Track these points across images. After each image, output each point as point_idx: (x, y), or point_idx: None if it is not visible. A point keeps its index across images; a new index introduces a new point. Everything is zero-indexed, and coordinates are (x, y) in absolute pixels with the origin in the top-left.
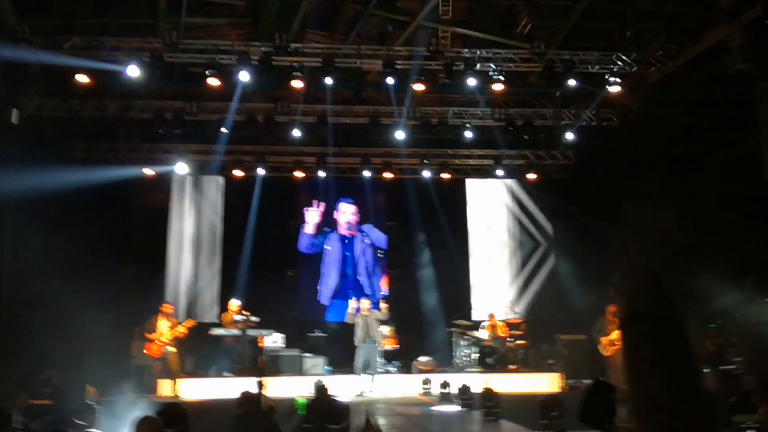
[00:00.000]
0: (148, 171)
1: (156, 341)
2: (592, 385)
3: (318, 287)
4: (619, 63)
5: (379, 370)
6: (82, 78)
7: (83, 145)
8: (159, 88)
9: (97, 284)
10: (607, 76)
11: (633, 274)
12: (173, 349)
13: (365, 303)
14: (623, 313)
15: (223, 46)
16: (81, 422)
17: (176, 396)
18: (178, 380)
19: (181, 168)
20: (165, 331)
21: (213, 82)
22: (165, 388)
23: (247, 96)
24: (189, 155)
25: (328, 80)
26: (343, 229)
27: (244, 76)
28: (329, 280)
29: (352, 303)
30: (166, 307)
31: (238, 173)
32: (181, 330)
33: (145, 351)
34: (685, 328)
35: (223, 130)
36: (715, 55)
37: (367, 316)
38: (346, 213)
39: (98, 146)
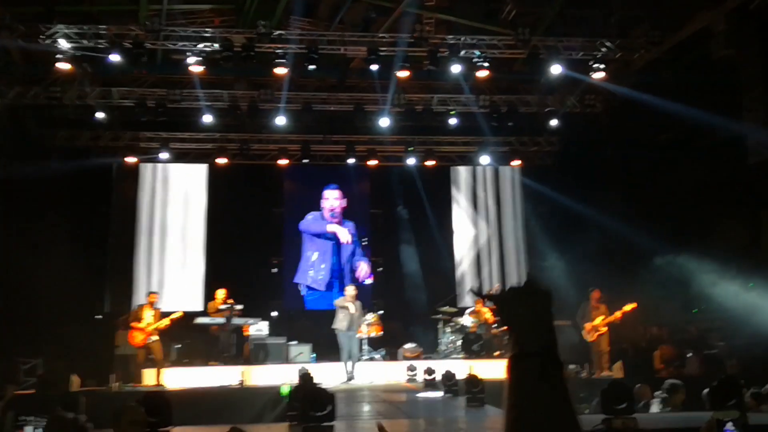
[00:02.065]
0: (130, 159)
1: (140, 330)
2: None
3: (302, 274)
4: (603, 49)
5: (364, 357)
6: (63, 65)
7: (65, 133)
8: (141, 76)
9: (80, 273)
10: (591, 63)
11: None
12: (156, 338)
13: (351, 290)
14: (513, 350)
15: (205, 33)
16: (66, 412)
17: (160, 385)
18: (162, 369)
19: (163, 156)
20: (150, 320)
21: (196, 69)
22: (149, 377)
23: (231, 83)
24: (172, 143)
25: (312, 67)
26: (327, 216)
27: (226, 64)
28: (318, 267)
29: (349, 290)
30: (152, 297)
31: (221, 161)
32: (166, 322)
33: (129, 340)
34: (563, 368)
35: (206, 117)
36: (699, 41)
37: (353, 304)
38: (329, 199)
39: (80, 134)
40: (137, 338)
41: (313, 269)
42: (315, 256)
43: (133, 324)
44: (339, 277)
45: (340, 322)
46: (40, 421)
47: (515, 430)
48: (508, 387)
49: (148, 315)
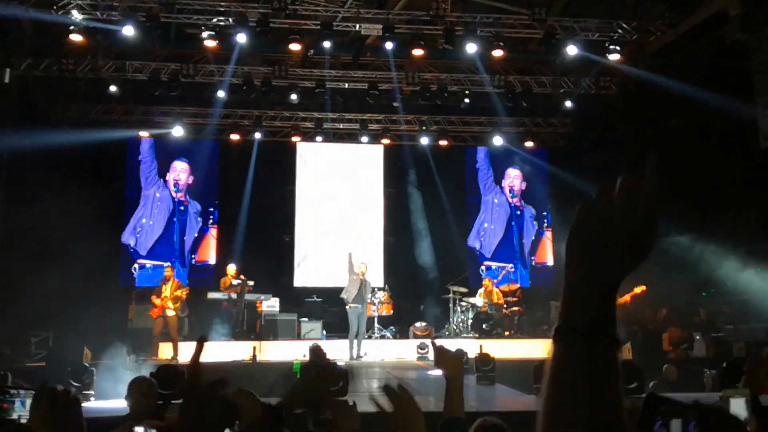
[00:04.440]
0: (144, 133)
1: (159, 303)
2: None
3: None
4: (620, 31)
5: (375, 335)
6: (75, 37)
7: (76, 106)
8: (154, 49)
9: (94, 247)
10: (606, 44)
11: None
12: (173, 313)
13: (363, 268)
14: (559, 319)
15: (220, 7)
16: (77, 384)
17: (175, 359)
18: (177, 343)
19: (177, 131)
20: (167, 293)
21: (210, 43)
22: (164, 351)
23: (245, 59)
24: (185, 118)
25: (327, 44)
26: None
27: (241, 38)
28: None
29: (362, 267)
30: (167, 270)
31: (234, 137)
32: (178, 293)
33: (149, 313)
34: (618, 347)
35: (219, 93)
36: (714, 25)
37: (363, 281)
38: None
39: (92, 108)
40: (155, 310)
41: None
42: None
43: (153, 297)
44: None
45: (349, 293)
46: (29, 394)
47: (550, 419)
48: (549, 363)
49: (166, 288)
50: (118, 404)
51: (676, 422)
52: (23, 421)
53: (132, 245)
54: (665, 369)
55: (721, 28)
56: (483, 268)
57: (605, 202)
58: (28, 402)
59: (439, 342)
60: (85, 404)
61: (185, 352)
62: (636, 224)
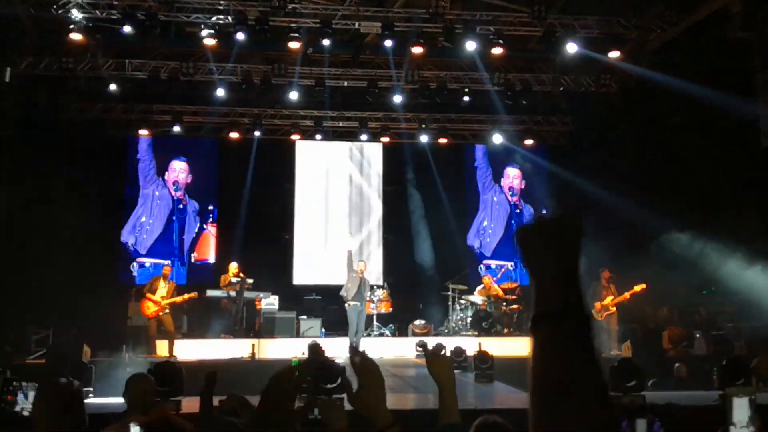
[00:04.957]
0: (143, 132)
1: (154, 302)
2: None
3: None
4: (620, 29)
5: (374, 333)
6: (75, 36)
7: (77, 105)
8: (154, 48)
9: (93, 243)
10: (607, 42)
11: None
12: (167, 311)
13: (361, 265)
14: (536, 308)
15: (219, 5)
16: (76, 382)
17: (172, 356)
18: (174, 341)
19: (176, 129)
20: (163, 293)
21: (209, 42)
22: (161, 348)
23: (244, 57)
24: (184, 116)
25: (326, 42)
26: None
27: (240, 37)
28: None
29: (360, 265)
30: (165, 269)
31: (234, 135)
32: (179, 300)
33: (142, 311)
34: (591, 324)
35: (219, 91)
36: (715, 22)
37: (362, 279)
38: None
39: (92, 106)
40: (150, 309)
41: None
42: None
43: (148, 295)
44: None
45: (348, 290)
46: (32, 387)
47: (539, 399)
48: (531, 352)
49: (162, 287)
50: (116, 401)
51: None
52: (26, 413)
53: (131, 244)
54: (676, 368)
55: (722, 26)
56: (482, 266)
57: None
58: (31, 395)
59: (430, 343)
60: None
61: (183, 349)
62: (558, 218)
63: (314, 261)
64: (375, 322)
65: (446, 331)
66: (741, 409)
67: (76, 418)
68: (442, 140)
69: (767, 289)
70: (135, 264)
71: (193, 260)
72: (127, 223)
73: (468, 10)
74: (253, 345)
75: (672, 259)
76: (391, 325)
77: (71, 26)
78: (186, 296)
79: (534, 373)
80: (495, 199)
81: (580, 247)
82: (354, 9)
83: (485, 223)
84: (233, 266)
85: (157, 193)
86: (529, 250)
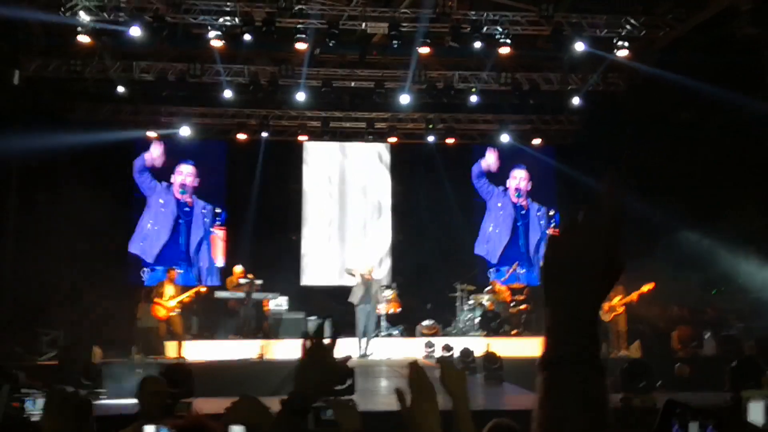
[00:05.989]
0: (152, 134)
1: (162, 305)
2: None
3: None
4: (628, 27)
5: (382, 333)
6: (83, 39)
7: (85, 107)
8: (161, 50)
9: (102, 246)
10: (615, 40)
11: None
12: (175, 313)
13: (370, 268)
14: (545, 351)
15: (226, 6)
16: (87, 383)
17: (181, 357)
18: (183, 342)
19: (184, 131)
20: (171, 295)
21: (216, 43)
22: (171, 349)
23: (251, 58)
24: (192, 118)
25: (333, 43)
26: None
27: (247, 38)
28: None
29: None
30: (171, 273)
31: (241, 137)
32: (191, 294)
33: (152, 313)
34: (605, 375)
35: (226, 93)
36: (724, 19)
37: (370, 281)
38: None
39: (100, 108)
40: (160, 312)
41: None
42: None
43: (156, 300)
44: None
45: (354, 295)
46: (41, 394)
47: None
48: (538, 396)
49: (168, 290)
50: (128, 403)
51: (693, 425)
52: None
53: (139, 254)
54: (677, 368)
55: (732, 23)
56: (491, 271)
57: (571, 234)
58: (39, 401)
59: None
60: (95, 402)
61: (192, 351)
62: (600, 253)
63: (323, 262)
64: (383, 323)
65: (454, 331)
66: (757, 411)
67: (84, 429)
68: (450, 140)
69: None
70: (145, 269)
71: (200, 262)
72: (134, 233)
73: (475, 10)
74: (262, 346)
75: (681, 258)
76: (399, 326)
77: (79, 29)
78: (193, 291)
79: (541, 414)
80: (499, 204)
81: (612, 284)
82: (361, 9)
83: (491, 227)
84: (238, 269)
85: (161, 200)
86: (555, 280)
